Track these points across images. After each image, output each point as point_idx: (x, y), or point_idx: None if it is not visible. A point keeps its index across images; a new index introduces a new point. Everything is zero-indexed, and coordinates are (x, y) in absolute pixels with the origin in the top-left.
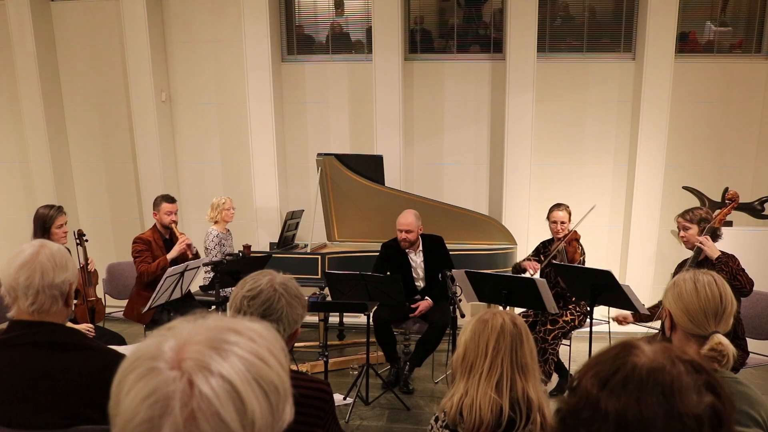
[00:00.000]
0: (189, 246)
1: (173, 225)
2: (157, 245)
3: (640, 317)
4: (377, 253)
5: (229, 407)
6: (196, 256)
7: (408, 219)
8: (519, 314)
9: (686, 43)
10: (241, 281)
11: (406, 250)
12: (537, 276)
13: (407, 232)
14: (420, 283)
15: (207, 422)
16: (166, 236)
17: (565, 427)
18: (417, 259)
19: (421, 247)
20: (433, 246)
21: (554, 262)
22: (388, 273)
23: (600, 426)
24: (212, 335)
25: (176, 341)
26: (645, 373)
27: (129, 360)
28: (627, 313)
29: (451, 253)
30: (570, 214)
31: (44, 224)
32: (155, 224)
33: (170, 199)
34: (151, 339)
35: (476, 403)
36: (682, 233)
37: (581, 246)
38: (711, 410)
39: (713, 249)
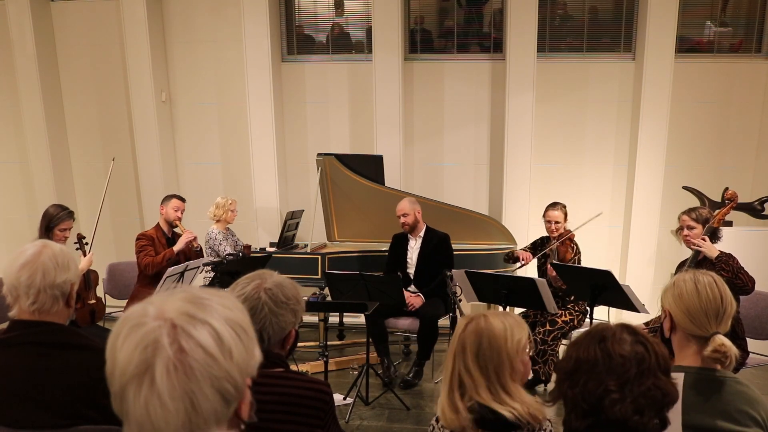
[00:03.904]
0: (195, 238)
1: (177, 222)
2: (159, 242)
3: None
4: (377, 253)
5: (209, 341)
6: (199, 251)
7: (402, 204)
8: (518, 314)
9: (686, 43)
10: (232, 284)
11: (408, 235)
12: (537, 276)
13: (404, 215)
14: (411, 270)
15: (194, 352)
16: (169, 234)
17: (556, 377)
18: (414, 245)
19: (421, 234)
20: (435, 240)
21: (554, 262)
22: (395, 260)
23: (566, 364)
24: (187, 295)
25: (157, 304)
26: (595, 331)
27: (117, 325)
28: (641, 325)
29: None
30: (566, 213)
31: (49, 223)
32: (158, 223)
33: (181, 198)
34: (135, 307)
35: (443, 407)
36: (685, 232)
37: (576, 245)
38: (638, 356)
39: (711, 249)
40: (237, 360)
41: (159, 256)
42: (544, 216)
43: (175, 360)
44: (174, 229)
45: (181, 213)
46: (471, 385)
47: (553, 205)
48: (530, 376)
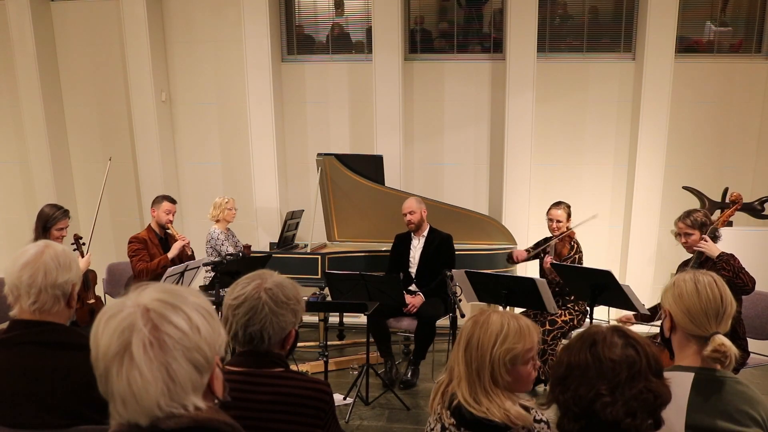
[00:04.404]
0: (188, 245)
1: (169, 224)
2: (152, 244)
3: (641, 317)
4: (377, 253)
5: (179, 320)
6: (192, 256)
7: (409, 202)
8: (519, 314)
9: (686, 43)
10: (233, 284)
11: (411, 235)
12: (538, 276)
13: (410, 213)
14: (413, 269)
15: (166, 329)
16: (161, 235)
17: (549, 381)
18: (417, 245)
19: (425, 234)
20: (437, 240)
21: (554, 262)
22: (398, 259)
23: (557, 370)
24: (159, 287)
25: (132, 297)
26: (586, 335)
27: (98, 317)
28: (629, 314)
29: None
30: (569, 213)
31: (45, 223)
32: (149, 224)
33: (171, 200)
34: (113, 301)
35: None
36: (683, 239)
37: (577, 244)
38: (629, 359)
39: (713, 249)
40: (205, 335)
41: (153, 262)
42: (547, 214)
43: (150, 337)
44: (166, 231)
45: (173, 215)
46: (457, 375)
47: (557, 204)
48: (528, 388)
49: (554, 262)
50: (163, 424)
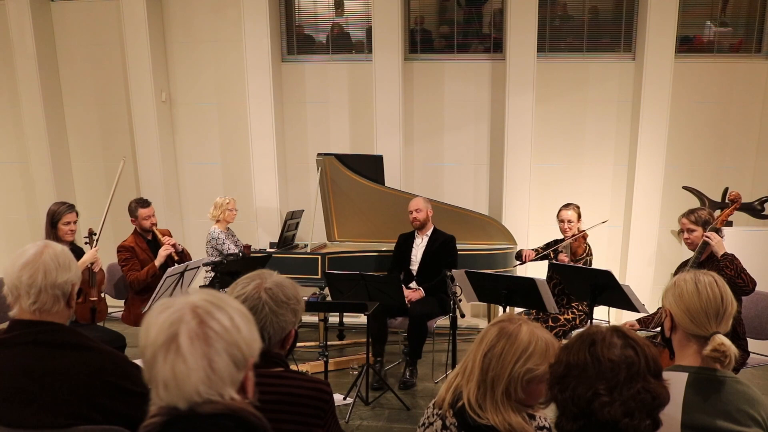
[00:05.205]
0: (174, 246)
1: (154, 227)
2: (140, 249)
3: (644, 323)
4: (377, 253)
5: (224, 318)
6: (183, 253)
7: (417, 200)
8: (519, 313)
9: (686, 44)
10: (233, 284)
11: (415, 234)
12: (539, 277)
13: (416, 211)
14: (414, 267)
15: (212, 324)
16: (148, 237)
17: (548, 381)
18: (420, 243)
19: (428, 234)
20: (440, 241)
21: (554, 261)
22: (400, 257)
23: (556, 369)
24: (208, 291)
25: (183, 297)
26: (586, 335)
27: (151, 311)
28: (633, 321)
29: None
30: (579, 214)
31: (52, 219)
32: (135, 229)
33: (144, 204)
34: (165, 299)
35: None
36: (686, 235)
37: (588, 246)
38: (628, 360)
39: (720, 245)
40: (244, 335)
41: (143, 271)
42: (557, 216)
43: (197, 330)
44: (153, 233)
45: (153, 217)
46: (469, 373)
47: (566, 206)
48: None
49: (554, 262)
50: (200, 408)
